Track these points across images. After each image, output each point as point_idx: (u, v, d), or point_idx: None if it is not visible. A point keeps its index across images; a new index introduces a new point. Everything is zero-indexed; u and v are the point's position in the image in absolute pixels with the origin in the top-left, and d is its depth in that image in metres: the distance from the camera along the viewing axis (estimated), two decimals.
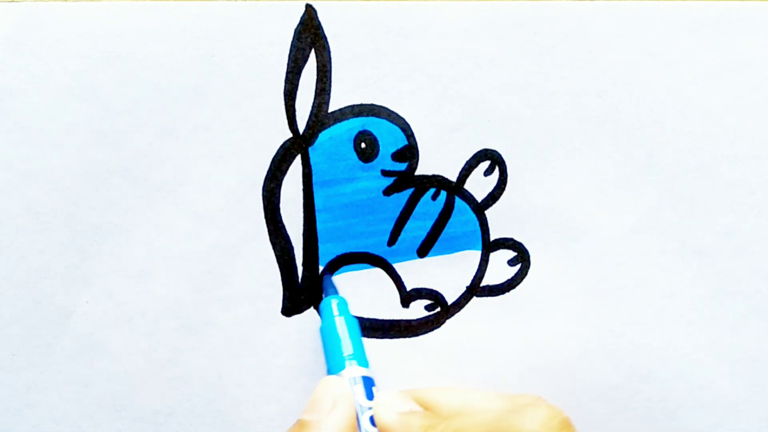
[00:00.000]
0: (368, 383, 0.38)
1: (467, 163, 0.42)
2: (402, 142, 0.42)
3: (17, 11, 0.41)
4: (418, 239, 0.42)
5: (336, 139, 0.42)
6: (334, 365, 0.39)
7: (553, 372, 0.43)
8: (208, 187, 0.42)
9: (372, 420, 0.37)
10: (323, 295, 0.41)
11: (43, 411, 0.42)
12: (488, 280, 0.43)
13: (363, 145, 0.42)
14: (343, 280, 0.42)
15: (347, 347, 0.39)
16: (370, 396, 0.37)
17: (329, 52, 0.41)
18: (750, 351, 0.43)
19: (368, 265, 0.42)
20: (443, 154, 0.42)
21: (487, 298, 0.43)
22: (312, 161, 0.42)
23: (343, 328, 0.39)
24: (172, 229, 0.42)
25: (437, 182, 0.42)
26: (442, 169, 0.42)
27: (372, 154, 0.42)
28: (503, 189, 0.42)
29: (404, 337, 0.43)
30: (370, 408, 0.37)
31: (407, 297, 0.42)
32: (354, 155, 0.42)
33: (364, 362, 0.39)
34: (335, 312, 0.40)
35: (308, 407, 0.37)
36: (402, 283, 0.42)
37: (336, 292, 0.41)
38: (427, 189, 0.42)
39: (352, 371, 0.38)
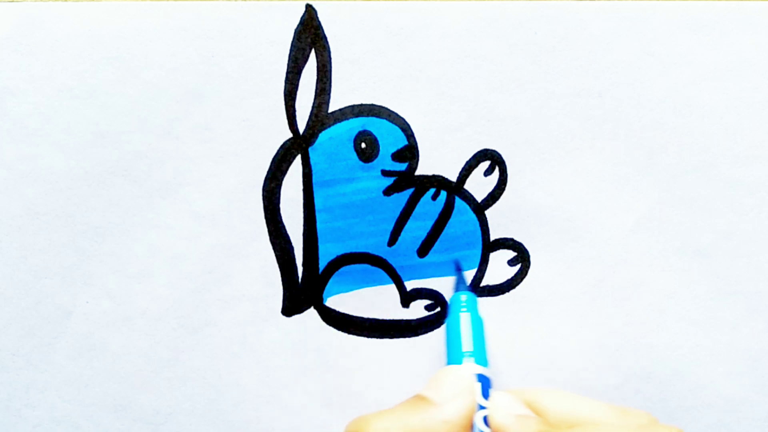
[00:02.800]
0: (485, 382, 0.37)
1: (467, 163, 0.42)
2: (402, 142, 0.42)
3: (17, 11, 0.41)
4: (418, 239, 0.42)
5: (336, 139, 0.42)
6: (453, 359, 0.39)
7: (553, 372, 0.43)
8: (208, 187, 0.42)
9: (485, 420, 0.36)
10: (453, 290, 0.41)
11: (43, 411, 0.42)
12: (488, 280, 0.43)
13: (363, 145, 0.42)
14: (343, 280, 0.42)
15: (467, 344, 0.39)
16: (485, 395, 0.37)
17: (329, 52, 0.41)
18: (750, 351, 0.43)
19: (368, 265, 0.42)
20: (443, 154, 0.42)
21: (487, 298, 0.43)
22: (312, 161, 0.42)
23: (467, 325, 0.39)
24: (172, 229, 0.42)
25: (437, 182, 0.42)
26: (442, 169, 0.42)
27: (372, 154, 0.42)
28: (503, 189, 0.42)
29: (404, 337, 0.43)
30: (484, 407, 0.37)
31: (407, 297, 0.42)
32: (354, 155, 0.42)
33: (483, 361, 0.38)
34: (463, 308, 0.40)
35: (430, 386, 0.37)
36: (402, 283, 0.42)
37: (466, 287, 0.41)
38: (427, 189, 0.42)
39: (471, 368, 0.38)
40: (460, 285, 0.41)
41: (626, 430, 0.35)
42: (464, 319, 0.39)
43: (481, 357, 0.38)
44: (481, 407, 0.36)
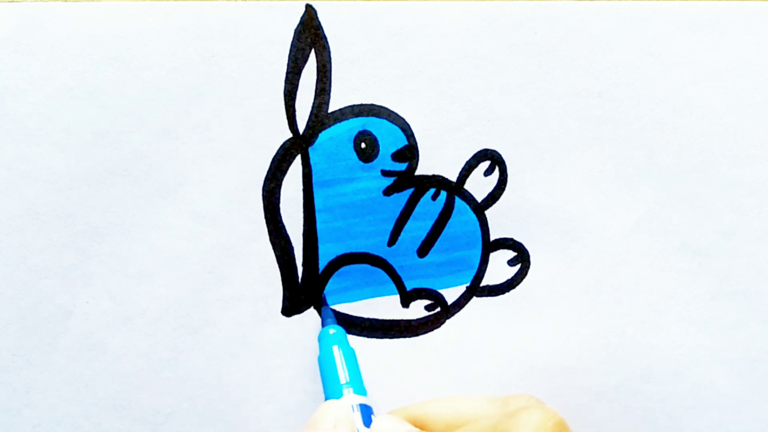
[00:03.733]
0: (366, 411, 0.38)
1: (467, 163, 0.42)
2: (402, 142, 0.42)
3: (17, 11, 0.41)
4: (418, 239, 0.42)
5: (336, 139, 0.42)
6: (332, 393, 0.39)
7: (553, 372, 0.43)
8: (208, 187, 0.42)
9: None
10: (321, 325, 0.42)
11: (43, 411, 0.42)
12: (488, 280, 0.43)
13: (363, 145, 0.42)
14: (343, 280, 0.42)
15: (344, 375, 0.39)
16: (367, 423, 0.37)
17: (329, 52, 0.41)
18: (750, 351, 0.43)
19: (368, 265, 0.42)
20: (443, 154, 0.42)
21: (487, 298, 0.43)
22: (312, 161, 0.42)
23: (340, 357, 0.39)
24: (172, 229, 0.42)
25: (437, 182, 0.42)
26: (442, 169, 0.42)
27: (372, 154, 0.42)
28: (503, 189, 0.42)
29: (404, 337, 0.43)
30: None
31: (407, 297, 0.42)
32: (354, 155, 0.42)
33: (361, 390, 0.39)
34: (333, 341, 0.40)
35: (309, 424, 0.37)
36: (402, 283, 0.42)
37: (334, 322, 0.41)
38: (427, 189, 0.42)
39: (350, 399, 0.38)
40: (327, 320, 0.41)
41: (504, 417, 0.35)
42: (336, 352, 0.39)
43: (358, 386, 0.39)
44: None
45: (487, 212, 0.42)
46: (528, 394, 0.39)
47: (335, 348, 0.40)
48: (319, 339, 0.41)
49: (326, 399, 0.39)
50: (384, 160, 0.42)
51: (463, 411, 0.38)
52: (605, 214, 0.42)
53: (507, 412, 0.36)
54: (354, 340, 0.42)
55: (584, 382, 0.43)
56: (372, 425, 0.37)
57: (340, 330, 0.41)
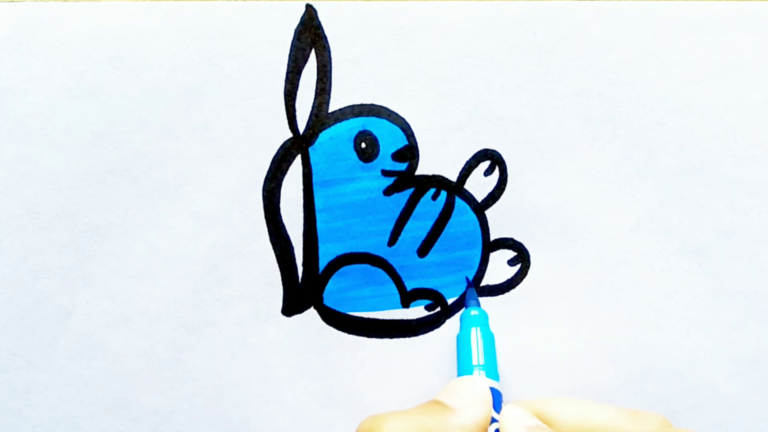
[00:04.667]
0: (496, 396, 0.37)
1: (467, 163, 0.42)
2: (402, 142, 0.42)
3: (17, 11, 0.41)
4: (418, 239, 0.42)
5: (336, 139, 0.42)
6: (464, 371, 0.39)
7: (553, 372, 0.43)
8: (208, 187, 0.42)
9: None
10: (464, 305, 0.42)
11: (43, 411, 0.42)
12: (488, 280, 0.43)
13: (363, 145, 0.42)
14: (343, 280, 0.42)
15: (479, 357, 0.39)
16: (496, 409, 0.37)
17: (329, 52, 0.41)
18: (750, 351, 0.43)
19: (368, 265, 0.42)
20: (443, 154, 0.42)
21: (487, 298, 0.43)
22: (312, 161, 0.42)
23: (477, 339, 0.39)
24: (172, 229, 0.42)
25: (437, 182, 0.42)
26: (442, 169, 0.42)
27: (372, 154, 0.42)
28: (503, 189, 0.42)
29: (404, 337, 0.43)
30: (495, 420, 0.37)
31: (407, 297, 0.42)
32: (354, 155, 0.42)
33: (494, 375, 0.39)
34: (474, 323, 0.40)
35: (446, 392, 0.37)
36: (402, 283, 0.42)
37: (477, 304, 0.41)
38: (427, 189, 0.42)
39: (483, 380, 0.38)
40: (471, 301, 0.41)
41: None
42: (474, 334, 0.39)
43: (492, 371, 0.39)
44: (493, 420, 0.36)
45: (487, 212, 0.42)
46: (656, 413, 0.38)
47: (474, 330, 0.39)
48: (461, 318, 0.40)
49: (459, 375, 0.39)
50: (384, 160, 0.42)
51: (592, 417, 0.37)
52: (605, 214, 0.42)
53: (652, 427, 0.36)
54: (354, 340, 0.42)
55: (584, 382, 0.43)
56: (502, 412, 0.36)
57: (483, 313, 0.40)
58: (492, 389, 0.37)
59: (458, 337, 0.40)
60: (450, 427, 0.35)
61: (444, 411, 0.36)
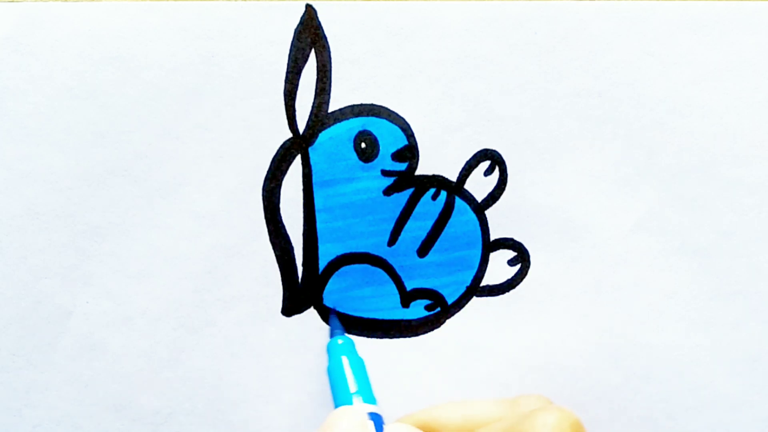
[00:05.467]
0: (377, 420, 0.38)
1: (467, 163, 0.42)
2: (402, 142, 0.42)
3: (17, 11, 0.41)
4: (418, 239, 0.42)
5: (336, 139, 0.42)
6: (342, 402, 0.39)
7: (553, 372, 0.43)
8: (208, 187, 0.42)
9: None
10: (329, 336, 0.42)
11: (43, 411, 0.42)
12: (488, 280, 0.43)
13: (363, 145, 0.42)
14: (343, 280, 0.42)
15: (354, 384, 0.39)
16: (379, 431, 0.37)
17: (329, 52, 0.41)
18: (750, 351, 0.43)
19: (368, 265, 0.42)
20: (443, 154, 0.42)
21: (487, 298, 0.43)
22: (312, 161, 0.42)
23: (349, 367, 0.39)
24: (172, 229, 0.42)
25: (437, 182, 0.42)
26: (442, 169, 0.42)
27: (372, 154, 0.42)
28: (503, 189, 0.42)
29: (404, 337, 0.43)
30: None
31: (407, 297, 0.42)
32: (354, 155, 0.42)
33: (371, 399, 0.39)
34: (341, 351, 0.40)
35: (326, 427, 0.37)
36: (402, 283, 0.42)
37: (342, 332, 0.41)
38: (427, 189, 0.42)
39: (361, 407, 0.38)
40: (335, 331, 0.41)
41: (520, 418, 0.35)
42: (345, 362, 0.39)
43: (368, 395, 0.38)
44: None
45: (487, 212, 0.42)
46: (537, 394, 0.38)
47: (344, 358, 0.40)
48: (328, 350, 0.40)
49: (336, 407, 0.39)
50: (384, 160, 0.42)
51: (473, 414, 0.37)
52: (605, 214, 0.42)
53: (522, 413, 0.36)
54: (354, 340, 0.42)
55: (584, 382, 0.43)
56: None
57: (348, 340, 0.40)
58: (371, 414, 0.37)
59: (329, 369, 0.40)
60: None
61: None
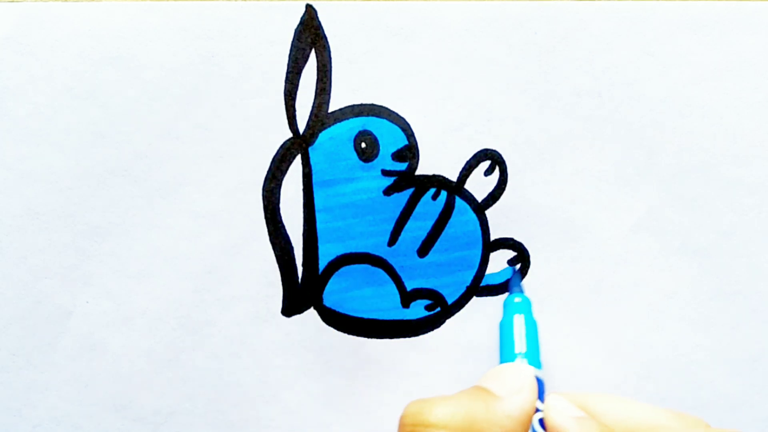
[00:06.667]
0: (540, 385, 0.37)
1: (467, 163, 0.42)
2: (402, 142, 0.42)
3: (17, 11, 0.41)
4: (418, 239, 0.42)
5: (336, 139, 0.42)
6: (506, 359, 0.38)
7: (553, 372, 0.43)
8: (208, 187, 0.42)
9: (541, 422, 0.36)
10: (508, 292, 0.41)
11: (43, 411, 0.42)
12: (488, 280, 0.43)
13: (363, 145, 0.42)
14: (343, 280, 0.42)
15: (521, 345, 0.38)
16: (540, 398, 0.37)
17: (329, 52, 0.41)
18: (750, 351, 0.43)
19: (368, 265, 0.42)
20: (443, 154, 0.42)
21: (487, 298, 0.43)
22: (312, 161, 0.42)
23: (520, 327, 0.39)
24: (172, 229, 0.42)
25: (437, 182, 0.42)
26: (443, 169, 0.42)
27: (372, 154, 0.42)
28: (503, 189, 0.42)
29: (404, 337, 0.43)
30: (539, 410, 0.36)
31: (407, 297, 0.43)
32: (354, 155, 0.42)
33: (537, 363, 0.38)
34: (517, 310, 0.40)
35: (490, 379, 0.36)
36: (402, 283, 0.42)
37: (521, 291, 0.41)
38: (428, 189, 0.42)
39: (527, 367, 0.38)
40: (514, 288, 0.41)
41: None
42: (518, 321, 0.39)
43: (534, 359, 0.38)
44: (537, 409, 0.36)
45: (487, 212, 0.42)
46: (699, 418, 0.37)
47: (517, 317, 0.39)
48: (504, 305, 0.40)
49: (501, 362, 0.38)
50: (384, 159, 0.42)
51: (635, 414, 0.36)
52: (605, 214, 0.42)
53: (706, 427, 0.35)
54: (354, 340, 0.42)
55: (584, 382, 0.43)
56: (546, 401, 0.36)
57: (526, 300, 0.40)
58: (536, 378, 0.37)
59: (501, 324, 0.39)
60: (496, 414, 0.35)
61: (490, 398, 0.35)
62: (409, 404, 0.35)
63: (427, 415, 0.34)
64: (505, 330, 0.39)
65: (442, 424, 0.34)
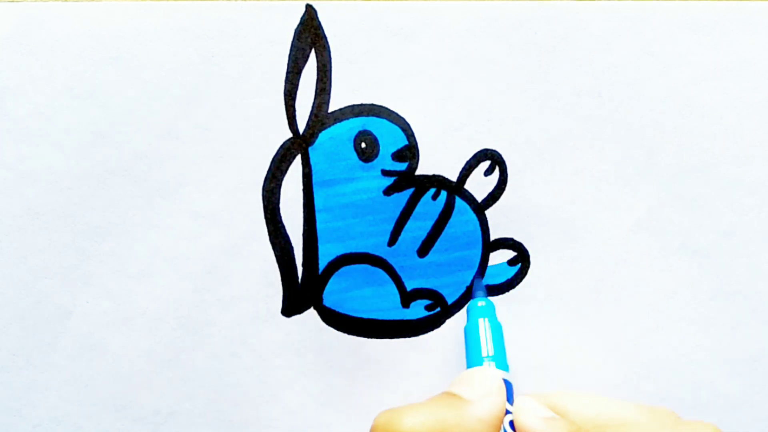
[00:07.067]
0: (508, 387, 0.37)
1: (467, 163, 0.42)
2: (402, 142, 0.42)
3: (17, 11, 0.41)
4: (418, 239, 0.42)
5: (336, 139, 0.42)
6: (474, 363, 0.39)
7: (553, 372, 0.43)
8: (208, 187, 0.42)
9: (512, 424, 0.36)
10: (471, 296, 0.42)
11: (43, 411, 0.42)
12: (488, 280, 0.43)
13: (363, 145, 0.42)
14: (343, 280, 0.42)
15: (487, 348, 0.39)
16: (509, 400, 0.37)
17: (329, 52, 0.41)
18: (750, 351, 0.43)
19: (368, 265, 0.42)
20: (443, 154, 0.42)
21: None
22: (312, 161, 0.42)
23: (485, 330, 0.39)
24: (172, 229, 0.42)
25: (437, 182, 0.42)
26: (443, 169, 0.42)
27: (372, 154, 0.42)
28: (503, 189, 0.42)
29: (404, 337, 0.43)
30: (509, 412, 0.36)
31: (407, 297, 0.43)
32: (354, 155, 0.42)
33: (504, 366, 0.38)
34: (481, 313, 0.40)
35: (459, 384, 0.36)
36: (402, 283, 0.42)
37: (484, 295, 0.41)
38: (428, 189, 0.42)
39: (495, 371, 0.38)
40: (477, 292, 0.41)
41: (655, 428, 0.34)
42: (483, 325, 0.39)
43: (502, 362, 0.38)
44: (507, 412, 0.36)
45: (487, 212, 0.42)
46: (670, 410, 0.37)
47: (482, 320, 0.39)
48: (468, 309, 0.40)
49: (469, 367, 0.39)
50: (384, 159, 0.42)
51: (606, 411, 0.36)
52: (605, 214, 0.42)
53: (676, 420, 0.35)
54: (354, 340, 0.42)
55: (584, 382, 0.43)
56: (516, 403, 0.36)
57: (490, 303, 0.40)
58: (504, 380, 0.37)
59: (466, 329, 0.40)
60: (467, 419, 0.35)
61: (460, 403, 0.35)
62: (378, 415, 0.35)
63: (397, 424, 0.34)
64: (471, 334, 0.39)
65: None
